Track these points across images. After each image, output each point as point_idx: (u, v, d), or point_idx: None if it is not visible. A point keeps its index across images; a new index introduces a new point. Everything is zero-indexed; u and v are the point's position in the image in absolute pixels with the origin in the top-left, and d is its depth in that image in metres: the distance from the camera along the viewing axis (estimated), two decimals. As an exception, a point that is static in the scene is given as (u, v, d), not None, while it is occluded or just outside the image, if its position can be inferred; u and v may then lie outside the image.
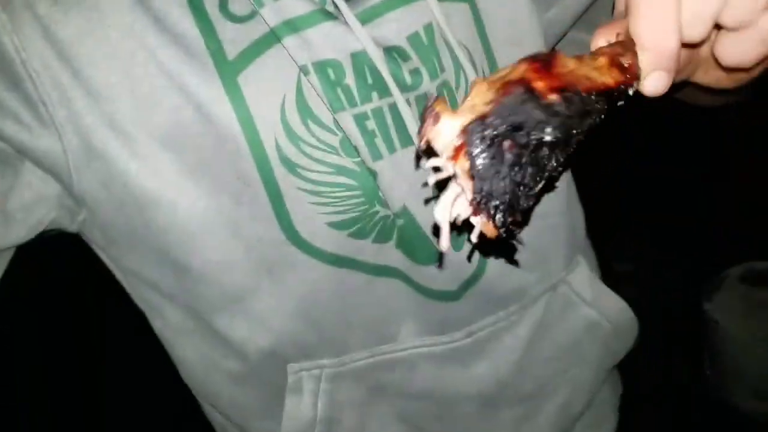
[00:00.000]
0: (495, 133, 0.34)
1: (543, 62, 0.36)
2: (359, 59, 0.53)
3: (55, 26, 0.50)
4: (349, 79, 0.53)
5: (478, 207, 0.35)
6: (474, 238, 0.37)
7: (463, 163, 0.34)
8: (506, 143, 0.34)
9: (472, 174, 0.34)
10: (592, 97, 0.36)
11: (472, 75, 0.56)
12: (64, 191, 0.54)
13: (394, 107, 0.54)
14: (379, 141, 0.54)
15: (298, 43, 0.51)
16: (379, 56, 0.53)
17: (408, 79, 0.54)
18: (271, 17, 0.51)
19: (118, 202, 0.54)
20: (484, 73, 0.58)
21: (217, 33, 0.51)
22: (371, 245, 0.57)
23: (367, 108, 0.53)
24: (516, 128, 0.34)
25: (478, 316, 0.63)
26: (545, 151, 0.34)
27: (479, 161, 0.34)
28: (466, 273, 0.60)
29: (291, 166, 0.53)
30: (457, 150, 0.35)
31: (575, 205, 0.70)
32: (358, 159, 0.54)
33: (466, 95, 0.37)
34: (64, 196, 0.55)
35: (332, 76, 0.52)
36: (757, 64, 0.43)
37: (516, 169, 0.34)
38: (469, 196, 0.35)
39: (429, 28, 0.55)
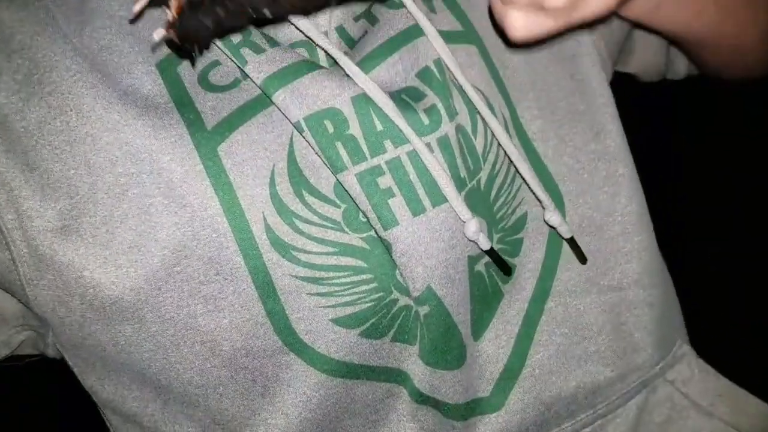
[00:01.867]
0: None
1: None
2: (362, 104, 0.44)
3: (13, 116, 0.43)
4: (354, 129, 0.44)
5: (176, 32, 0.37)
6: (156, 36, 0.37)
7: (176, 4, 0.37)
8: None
9: (178, 13, 0.37)
10: None
11: (490, 120, 0.47)
12: (28, 310, 0.46)
13: (414, 155, 0.45)
14: (396, 202, 0.44)
15: (288, 97, 0.43)
16: (386, 100, 0.44)
17: (425, 119, 0.45)
18: (257, 73, 0.44)
19: (79, 318, 0.45)
20: (505, 120, 0.49)
21: (194, 102, 0.44)
22: (389, 345, 0.46)
23: (380, 161, 0.44)
24: None
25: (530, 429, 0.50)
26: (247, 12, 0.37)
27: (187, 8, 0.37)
28: (497, 369, 0.49)
29: (284, 249, 0.44)
30: None
31: (663, 274, 0.56)
32: (367, 233, 0.45)
33: None
34: (29, 315, 0.47)
35: (331, 129, 0.44)
36: None
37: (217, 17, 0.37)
38: None
39: (439, 62, 0.47)
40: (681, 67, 0.64)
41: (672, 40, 0.59)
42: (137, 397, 0.47)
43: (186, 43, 0.37)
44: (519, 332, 0.49)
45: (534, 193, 0.48)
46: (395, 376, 0.47)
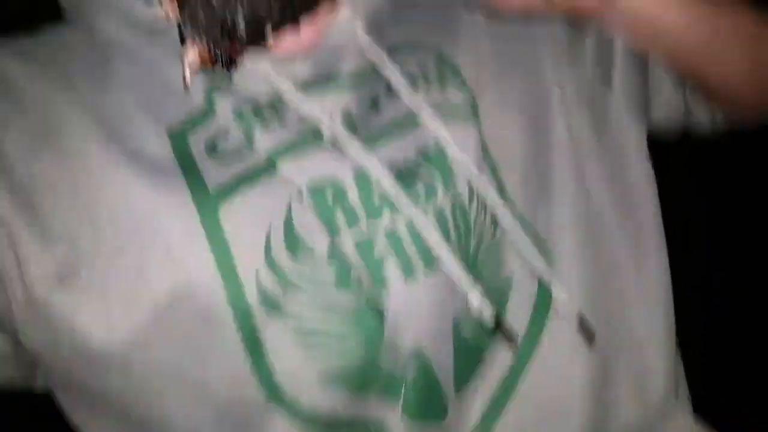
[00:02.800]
0: None
1: None
2: (363, 176, 0.47)
3: (19, 165, 0.46)
4: (353, 197, 0.46)
5: (186, 35, 0.42)
6: (186, 64, 0.42)
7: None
8: None
9: (186, 14, 0.42)
10: None
11: (481, 190, 0.50)
12: (17, 349, 0.48)
13: (410, 225, 0.47)
14: (390, 266, 0.46)
15: (292, 167, 0.46)
16: (386, 173, 0.47)
17: (422, 191, 0.48)
18: (263, 142, 0.47)
19: (67, 364, 0.46)
20: (494, 191, 0.51)
21: (198, 166, 0.47)
22: (374, 401, 0.47)
23: (376, 226, 0.47)
24: None
25: None
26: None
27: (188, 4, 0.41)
28: (475, 424, 0.49)
29: (274, 307, 0.45)
30: None
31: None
32: (358, 295, 0.46)
33: None
34: (20, 353, 0.48)
35: (330, 196, 0.46)
36: None
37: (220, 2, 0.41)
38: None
39: (437, 142, 0.50)
40: (703, 117, 0.63)
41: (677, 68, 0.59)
42: None
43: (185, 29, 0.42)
44: (497, 392, 0.50)
45: (527, 258, 0.50)
46: (378, 429, 0.48)
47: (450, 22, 0.56)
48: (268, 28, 0.44)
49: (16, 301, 0.45)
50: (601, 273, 0.53)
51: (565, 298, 0.50)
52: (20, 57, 0.50)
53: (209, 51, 0.43)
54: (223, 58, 0.43)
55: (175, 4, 0.42)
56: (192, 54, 0.43)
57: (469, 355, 0.49)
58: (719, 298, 1.82)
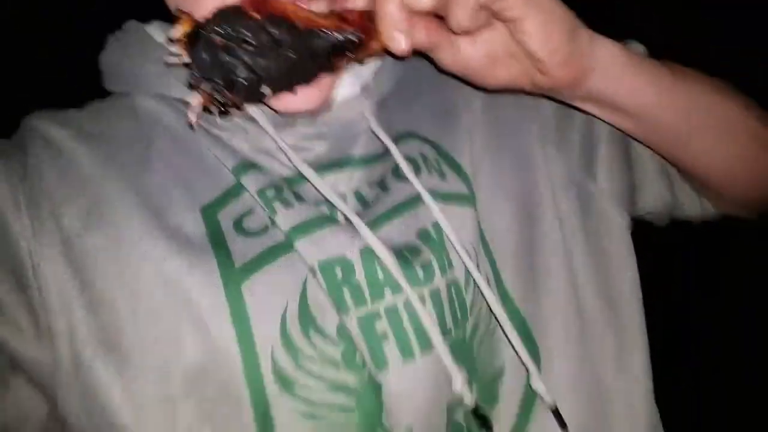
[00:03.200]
0: (209, 31, 0.46)
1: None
2: (368, 255, 0.51)
3: (75, 239, 0.51)
4: (359, 275, 0.51)
5: (192, 80, 0.47)
6: (193, 104, 0.47)
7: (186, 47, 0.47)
8: (217, 39, 0.46)
9: (192, 58, 0.47)
10: (312, 30, 0.48)
11: (477, 277, 0.54)
12: (51, 413, 0.52)
13: (408, 304, 0.51)
14: (389, 346, 0.50)
15: (307, 245, 0.51)
16: (388, 254, 0.51)
17: (420, 273, 0.52)
18: (284, 223, 0.52)
19: (96, 430, 0.50)
20: (488, 279, 0.56)
21: (227, 243, 0.52)
22: None
23: (379, 307, 0.51)
24: (229, 34, 0.46)
25: None
26: (250, 48, 0.47)
27: (196, 52, 0.46)
28: None
29: (286, 384, 0.50)
30: (185, 38, 0.47)
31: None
32: (360, 374, 0.51)
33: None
34: (50, 419, 0.52)
35: (339, 275, 0.51)
36: None
37: (224, 57, 0.46)
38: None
39: (437, 225, 0.55)
40: (691, 203, 0.66)
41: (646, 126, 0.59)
42: None
43: (198, 75, 0.47)
44: None
45: (518, 355, 0.54)
46: None
47: (448, 113, 0.62)
48: (266, 87, 0.48)
49: (62, 362, 0.50)
50: (586, 368, 0.57)
51: (544, 390, 0.53)
52: (75, 132, 0.56)
53: (210, 97, 0.47)
54: (221, 105, 0.48)
55: (187, 51, 0.47)
56: (196, 98, 0.47)
57: None
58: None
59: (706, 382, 1.89)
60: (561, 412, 0.54)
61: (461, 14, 0.47)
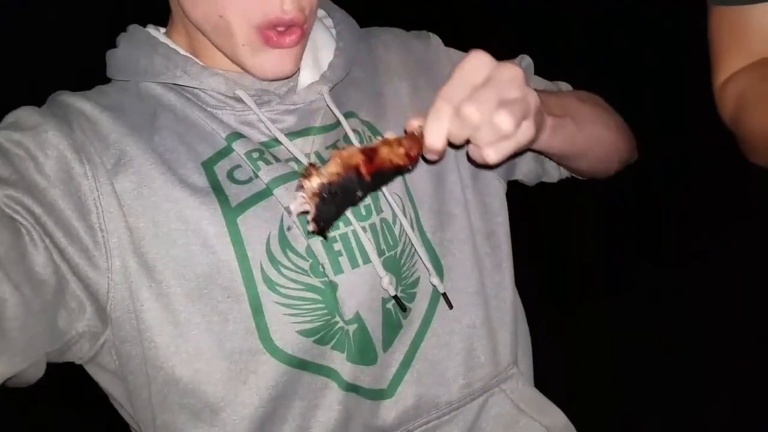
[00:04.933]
0: (333, 190, 0.60)
1: (368, 156, 0.61)
2: None
3: (113, 180, 0.69)
4: None
5: (314, 220, 0.60)
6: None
7: (314, 201, 0.60)
8: (338, 195, 0.60)
9: (316, 206, 0.59)
10: (391, 171, 0.63)
11: (400, 216, 0.75)
12: (95, 314, 0.68)
13: (355, 233, 0.73)
14: (343, 259, 0.72)
15: (282, 191, 0.71)
16: None
17: (363, 212, 0.74)
18: (265, 176, 0.71)
19: (129, 326, 0.69)
20: (411, 219, 0.77)
21: (224, 189, 0.71)
22: (329, 351, 0.73)
23: (336, 234, 0.73)
24: (345, 189, 0.60)
25: (411, 416, 0.75)
26: (357, 200, 0.62)
27: (320, 202, 0.59)
28: (393, 371, 0.75)
29: (271, 284, 0.71)
30: (315, 194, 0.59)
31: (508, 316, 0.83)
32: (323, 279, 0.72)
33: (325, 165, 0.61)
34: (94, 318, 0.68)
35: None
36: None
37: (339, 207, 0.61)
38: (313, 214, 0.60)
39: None
40: (554, 173, 0.94)
41: (554, 158, 0.86)
42: (149, 385, 0.71)
43: (320, 223, 0.61)
44: (408, 349, 0.77)
45: (425, 265, 0.77)
46: (329, 372, 0.73)
47: (379, 99, 0.82)
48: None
49: (114, 270, 0.67)
50: (474, 277, 0.81)
51: (439, 283, 0.76)
52: (94, 103, 0.72)
53: (317, 223, 0.60)
54: (320, 230, 0.62)
55: (313, 204, 0.59)
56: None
57: (392, 325, 0.75)
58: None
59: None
60: (458, 309, 0.78)
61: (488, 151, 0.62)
